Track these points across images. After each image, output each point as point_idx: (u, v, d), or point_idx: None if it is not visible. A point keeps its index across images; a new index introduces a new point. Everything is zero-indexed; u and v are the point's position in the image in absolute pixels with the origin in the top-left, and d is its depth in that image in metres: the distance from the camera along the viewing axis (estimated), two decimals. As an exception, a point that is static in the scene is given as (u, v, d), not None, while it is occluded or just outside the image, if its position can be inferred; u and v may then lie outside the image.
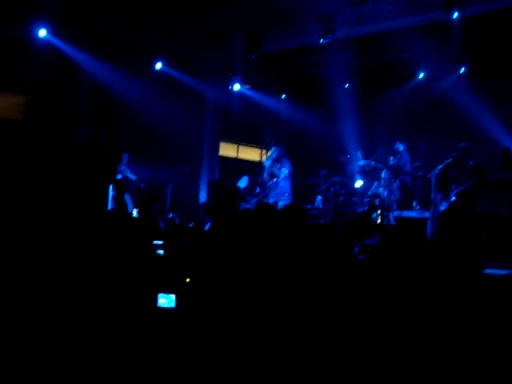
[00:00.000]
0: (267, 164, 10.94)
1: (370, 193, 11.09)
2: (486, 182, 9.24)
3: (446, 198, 9.35)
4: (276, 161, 10.80)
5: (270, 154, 10.94)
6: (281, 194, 10.68)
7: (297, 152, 12.43)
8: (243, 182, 12.01)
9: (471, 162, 9.31)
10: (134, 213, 11.31)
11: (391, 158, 11.29)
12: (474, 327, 3.01)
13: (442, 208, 9.36)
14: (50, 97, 11.24)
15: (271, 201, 10.70)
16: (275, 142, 13.82)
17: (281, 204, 10.44)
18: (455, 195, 9.21)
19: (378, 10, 10.20)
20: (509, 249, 7.65)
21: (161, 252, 4.69)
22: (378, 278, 3.71)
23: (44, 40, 10.88)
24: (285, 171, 10.70)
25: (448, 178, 9.49)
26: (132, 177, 12.14)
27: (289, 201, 10.64)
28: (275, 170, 10.72)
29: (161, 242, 4.92)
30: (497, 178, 9.84)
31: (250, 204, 11.73)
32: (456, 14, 9.47)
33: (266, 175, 10.88)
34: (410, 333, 3.07)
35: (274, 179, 10.75)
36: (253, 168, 15.09)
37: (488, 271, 3.82)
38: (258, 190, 12.24)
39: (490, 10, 9.67)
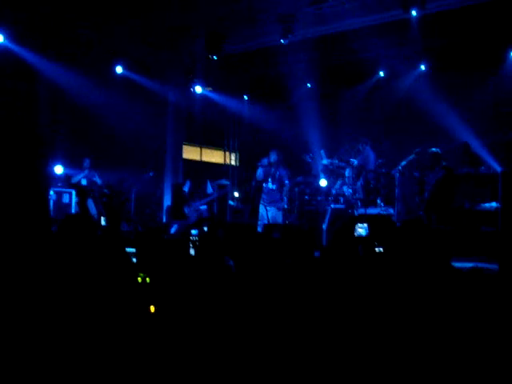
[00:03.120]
0: (264, 164, 10.72)
1: (334, 191, 11.12)
2: (456, 177, 9.53)
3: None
4: (272, 165, 10.69)
5: (268, 156, 10.77)
6: (277, 201, 10.66)
7: (260, 153, 12.42)
8: (186, 186, 12.07)
9: (443, 163, 9.57)
10: (102, 221, 11.23)
11: (357, 155, 11.33)
12: (442, 317, 3.02)
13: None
14: (7, 103, 11.00)
15: (261, 207, 10.66)
16: (240, 145, 13.77)
17: (272, 210, 10.58)
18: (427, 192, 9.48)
19: (338, 8, 10.21)
20: (473, 242, 7.76)
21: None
22: (338, 275, 3.71)
23: (1, 46, 10.67)
24: (285, 183, 10.69)
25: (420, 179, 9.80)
26: (99, 181, 12.07)
27: (281, 208, 10.70)
28: (271, 177, 10.62)
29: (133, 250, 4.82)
30: (459, 173, 10.00)
31: (192, 207, 11.79)
32: (414, 12, 9.55)
33: (262, 176, 10.72)
34: (381, 327, 3.06)
35: (269, 186, 10.67)
36: (216, 170, 15.12)
37: (454, 264, 3.84)
38: (210, 191, 12.29)
39: (448, 7, 9.79)
